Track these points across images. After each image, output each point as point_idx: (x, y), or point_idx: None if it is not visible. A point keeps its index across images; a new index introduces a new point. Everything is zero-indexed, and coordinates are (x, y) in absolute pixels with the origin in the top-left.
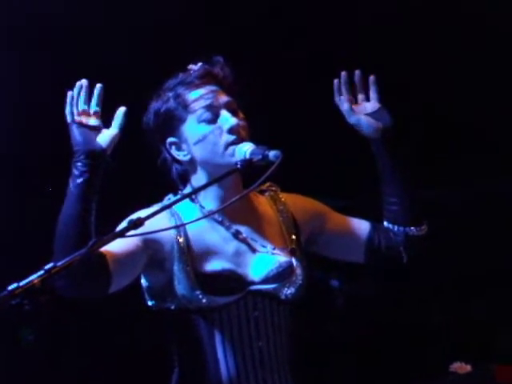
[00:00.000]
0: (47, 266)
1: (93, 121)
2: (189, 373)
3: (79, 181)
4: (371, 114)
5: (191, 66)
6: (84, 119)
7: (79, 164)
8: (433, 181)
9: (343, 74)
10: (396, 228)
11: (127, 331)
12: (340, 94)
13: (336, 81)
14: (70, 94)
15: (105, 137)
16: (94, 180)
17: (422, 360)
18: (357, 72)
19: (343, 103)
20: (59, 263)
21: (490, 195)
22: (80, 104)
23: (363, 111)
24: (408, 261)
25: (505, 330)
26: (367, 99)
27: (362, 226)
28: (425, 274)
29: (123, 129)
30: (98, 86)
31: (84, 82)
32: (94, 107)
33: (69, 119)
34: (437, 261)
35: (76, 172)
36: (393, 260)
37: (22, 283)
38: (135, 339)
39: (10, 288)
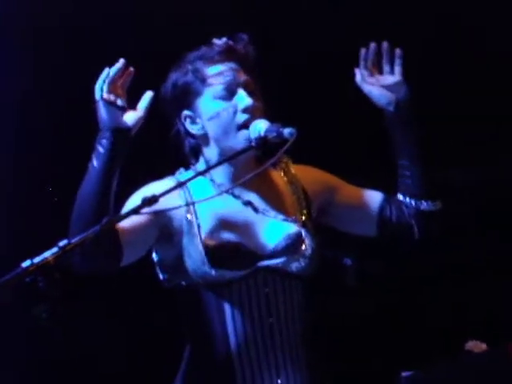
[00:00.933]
0: (61, 243)
1: (120, 101)
2: (199, 350)
3: (103, 157)
4: (390, 86)
5: (215, 41)
6: (112, 98)
7: (104, 141)
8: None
9: (373, 44)
10: (408, 200)
11: (141, 310)
12: (365, 64)
13: (363, 50)
14: (106, 70)
15: (131, 117)
16: (117, 158)
17: (436, 339)
18: (384, 44)
19: (356, 74)
20: (73, 240)
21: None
22: (110, 82)
23: (382, 82)
24: (419, 237)
25: None
26: (392, 72)
27: (374, 198)
28: (438, 251)
29: (148, 112)
30: (130, 69)
31: (122, 61)
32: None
33: (97, 96)
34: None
35: (101, 149)
36: (404, 235)
37: (35, 260)
38: (149, 318)
39: (23, 265)
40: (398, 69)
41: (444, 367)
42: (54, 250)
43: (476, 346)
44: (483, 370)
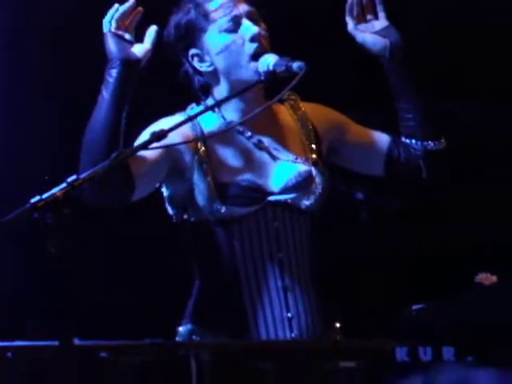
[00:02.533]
0: (70, 179)
1: (128, 35)
2: (209, 285)
3: (113, 87)
4: (380, 32)
5: None
6: (120, 32)
7: (114, 70)
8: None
9: None
10: (414, 142)
11: (150, 247)
12: (352, 15)
13: (349, 1)
14: (116, 6)
15: (139, 49)
16: (127, 88)
17: (445, 271)
18: None
19: (348, 24)
20: (82, 176)
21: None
22: (119, 18)
23: (371, 29)
24: (427, 176)
25: None
26: (376, 18)
27: (382, 139)
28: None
29: (155, 46)
30: (139, 9)
31: (132, 0)
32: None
33: (106, 28)
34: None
35: (110, 79)
36: (412, 174)
37: (44, 196)
38: (157, 254)
39: (32, 201)
40: (381, 14)
41: (454, 300)
42: (63, 185)
43: (486, 278)
44: (493, 302)
